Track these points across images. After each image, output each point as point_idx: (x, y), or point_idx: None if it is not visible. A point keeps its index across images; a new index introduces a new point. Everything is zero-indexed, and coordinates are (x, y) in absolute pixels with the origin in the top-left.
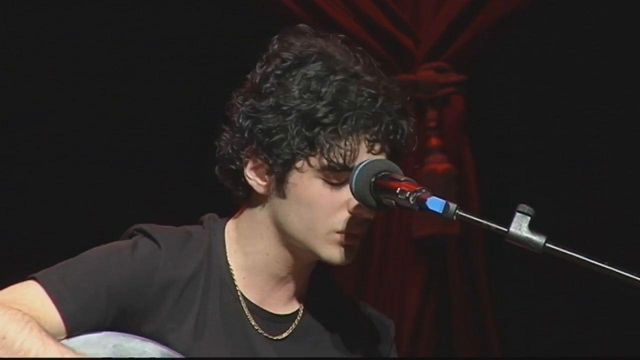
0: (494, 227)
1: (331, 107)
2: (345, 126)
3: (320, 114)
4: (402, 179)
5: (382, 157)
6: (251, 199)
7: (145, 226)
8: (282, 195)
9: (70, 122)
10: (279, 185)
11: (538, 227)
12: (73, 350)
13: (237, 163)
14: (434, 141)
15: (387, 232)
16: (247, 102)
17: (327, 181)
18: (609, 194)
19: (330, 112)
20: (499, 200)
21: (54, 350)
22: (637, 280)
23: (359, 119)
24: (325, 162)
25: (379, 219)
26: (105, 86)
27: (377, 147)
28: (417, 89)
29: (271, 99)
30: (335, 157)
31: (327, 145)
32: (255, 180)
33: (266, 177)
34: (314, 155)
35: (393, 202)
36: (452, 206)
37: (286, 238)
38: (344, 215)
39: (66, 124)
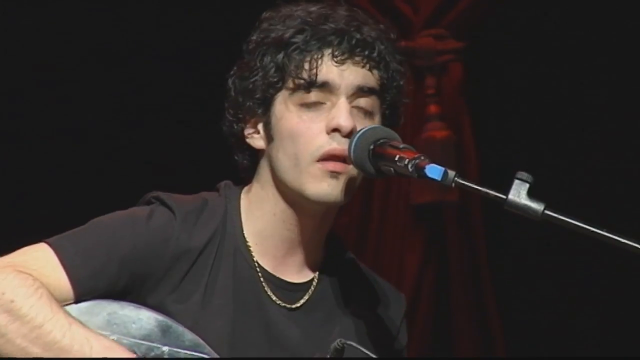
0: (492, 194)
1: (298, 28)
2: (310, 42)
3: (287, 35)
4: (401, 146)
5: (353, 70)
6: (258, 164)
7: (162, 194)
8: (271, 138)
9: (85, 90)
10: (267, 130)
11: (536, 194)
12: (81, 322)
13: (235, 126)
14: (432, 108)
15: (385, 199)
16: (235, 67)
17: (303, 105)
18: (609, 161)
19: (296, 32)
20: (497, 167)
21: (62, 320)
22: (636, 247)
23: (323, 36)
24: (292, 84)
25: (378, 186)
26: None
27: (341, 59)
28: (415, 57)
29: (252, 54)
30: (301, 74)
31: (293, 65)
32: (252, 136)
33: (259, 127)
34: (285, 82)
35: (392, 169)
36: (451, 173)
37: (285, 191)
38: (323, 138)
39: (79, 90)
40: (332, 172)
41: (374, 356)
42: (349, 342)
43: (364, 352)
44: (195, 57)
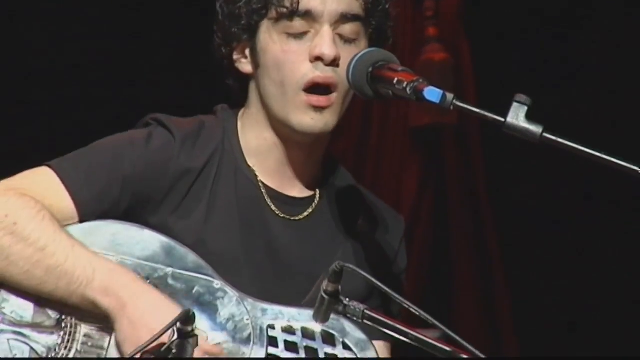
0: (490, 117)
1: None
2: None
3: None
4: (399, 69)
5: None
6: (249, 88)
7: (160, 116)
8: (258, 64)
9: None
10: (254, 56)
11: (535, 117)
12: (85, 245)
13: (224, 49)
14: (431, 31)
15: (384, 122)
16: None
17: (286, 34)
18: (609, 84)
19: None
20: (496, 90)
21: (65, 242)
22: (635, 170)
23: None
24: (275, 12)
25: (376, 109)
26: None
27: None
28: None
29: None
30: (283, 2)
31: None
32: (240, 61)
33: (246, 53)
34: (269, 10)
35: (390, 92)
36: (449, 96)
37: (272, 118)
38: (307, 66)
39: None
40: (316, 106)
41: (373, 279)
42: (347, 264)
43: (363, 275)
44: None
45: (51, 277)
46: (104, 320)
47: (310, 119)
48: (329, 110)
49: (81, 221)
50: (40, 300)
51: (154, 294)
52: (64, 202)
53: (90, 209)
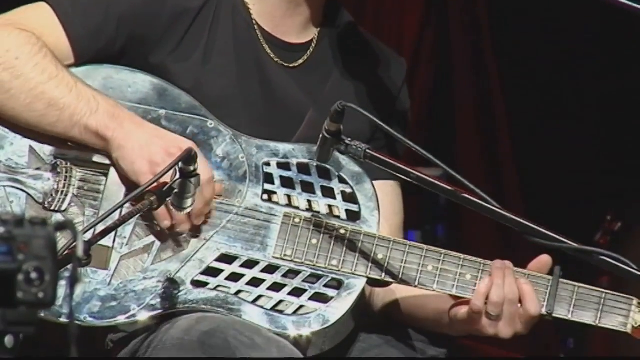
0: None
1: None
2: None
3: None
4: None
5: None
6: None
7: None
8: None
9: None
10: None
11: None
12: (84, 81)
13: None
14: None
15: None
16: None
17: None
18: None
19: None
20: None
21: (67, 77)
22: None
23: None
24: None
25: None
26: None
27: None
28: None
29: None
30: None
31: None
32: None
33: None
34: None
35: None
36: None
37: None
38: None
39: None
40: None
41: (375, 118)
42: (349, 104)
43: (365, 114)
44: None
45: (53, 109)
46: (100, 155)
47: None
48: None
49: (76, 60)
50: (37, 140)
51: (155, 126)
52: (60, 39)
53: (86, 47)
